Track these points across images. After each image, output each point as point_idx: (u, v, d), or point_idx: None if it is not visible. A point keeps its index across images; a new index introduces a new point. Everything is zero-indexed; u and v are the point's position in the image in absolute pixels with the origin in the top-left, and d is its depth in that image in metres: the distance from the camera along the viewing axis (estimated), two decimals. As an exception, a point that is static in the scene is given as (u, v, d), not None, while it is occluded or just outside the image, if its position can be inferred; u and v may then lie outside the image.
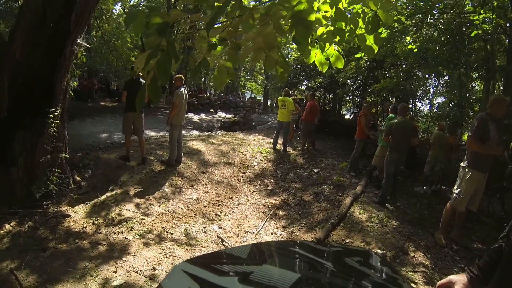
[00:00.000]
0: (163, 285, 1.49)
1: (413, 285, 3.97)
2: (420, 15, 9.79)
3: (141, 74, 7.10)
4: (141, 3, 26.29)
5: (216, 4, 1.57)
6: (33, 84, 5.32)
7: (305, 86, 21.49)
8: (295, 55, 18.63)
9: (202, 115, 21.72)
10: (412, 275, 4.16)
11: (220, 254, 2.27)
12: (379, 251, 4.63)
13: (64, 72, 5.63)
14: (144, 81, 6.12)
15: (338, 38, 2.01)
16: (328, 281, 1.64)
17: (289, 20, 1.72)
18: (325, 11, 1.86)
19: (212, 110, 25.13)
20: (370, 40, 2.12)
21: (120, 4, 18.09)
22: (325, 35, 2.01)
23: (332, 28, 1.97)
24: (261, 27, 1.72)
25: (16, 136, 5.07)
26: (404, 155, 6.80)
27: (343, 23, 1.95)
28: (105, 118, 15.84)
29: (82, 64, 15.90)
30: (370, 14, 1.95)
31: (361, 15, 1.99)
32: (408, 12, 9.43)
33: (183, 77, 7.66)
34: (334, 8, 1.82)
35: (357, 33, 2.12)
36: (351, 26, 2.00)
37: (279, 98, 11.12)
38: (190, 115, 20.85)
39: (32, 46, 5.18)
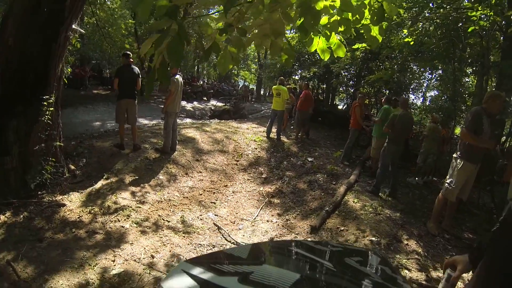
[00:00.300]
0: (164, 285, 1.50)
1: (406, 271, 4.07)
2: (417, 9, 9.81)
3: (132, 60, 7.10)
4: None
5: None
6: (26, 71, 5.15)
7: (299, 76, 21.44)
8: (292, 43, 18.58)
9: (195, 103, 21.65)
10: (406, 262, 4.27)
11: (220, 254, 2.29)
12: (373, 238, 4.72)
13: (58, 59, 5.52)
14: (135, 68, 6.08)
15: (343, 27, 2.02)
16: (328, 281, 1.66)
17: (296, 8, 1.73)
18: (333, 1, 1.87)
19: (205, 98, 25.08)
20: (374, 30, 2.14)
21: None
22: (331, 24, 2.02)
23: (339, 18, 1.99)
24: (269, 13, 1.73)
25: (10, 124, 4.94)
26: (402, 147, 6.88)
27: (349, 13, 1.96)
28: (97, 106, 15.69)
29: (75, 51, 15.72)
30: (375, 5, 1.97)
31: (367, 6, 2.00)
32: (407, 5, 9.44)
33: None
34: (341, -3, 1.83)
35: (362, 23, 2.13)
36: (357, 16, 2.01)
37: (273, 87, 11.12)
38: (183, 103, 20.74)
39: (26, 32, 5.02)
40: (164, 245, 4.30)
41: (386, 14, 2.04)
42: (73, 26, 5.78)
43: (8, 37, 4.99)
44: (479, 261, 1.31)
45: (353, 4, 1.91)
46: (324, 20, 2.04)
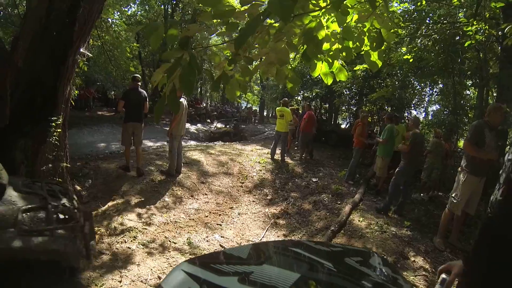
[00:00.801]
0: (163, 285, 1.49)
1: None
2: (414, 25, 9.98)
3: (140, 83, 7.18)
4: (138, 13, 26.49)
5: (231, 21, 1.65)
6: (35, 92, 5.22)
7: (301, 96, 21.58)
8: (293, 65, 18.82)
9: (199, 125, 21.76)
10: (413, 279, 4.25)
11: (220, 254, 2.29)
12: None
13: (66, 81, 5.64)
14: (143, 91, 6.17)
15: (344, 54, 2.10)
16: (328, 281, 1.66)
17: (298, 37, 1.81)
18: (334, 30, 1.95)
19: (208, 120, 25.19)
20: (374, 56, 2.22)
21: (117, 13, 18.15)
22: (333, 52, 2.10)
23: (340, 46, 2.07)
24: (275, 43, 1.81)
25: (18, 144, 4.98)
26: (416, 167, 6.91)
27: (350, 41, 2.05)
28: (102, 127, 15.82)
29: (80, 73, 15.94)
30: (374, 32, 2.05)
31: (366, 33, 2.08)
32: (405, 25, 9.60)
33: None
34: (342, 27, 1.91)
35: (362, 49, 2.22)
36: (357, 43, 2.10)
37: (277, 108, 11.20)
38: (187, 125, 20.84)
39: (35, 54, 5.13)
40: (170, 266, 4.28)
41: (384, 41, 2.13)
42: (81, 50, 5.94)
43: (18, 58, 5.09)
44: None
45: (353, 33, 1.99)
46: (326, 46, 2.12)
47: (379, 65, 2.28)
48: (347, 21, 1.90)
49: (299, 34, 1.82)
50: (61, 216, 2.29)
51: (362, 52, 2.34)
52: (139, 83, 7.26)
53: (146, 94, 7.34)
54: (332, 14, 1.85)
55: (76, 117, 16.29)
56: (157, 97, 24.20)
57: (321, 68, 2.32)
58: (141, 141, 7.28)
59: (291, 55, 2.48)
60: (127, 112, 6.96)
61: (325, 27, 1.90)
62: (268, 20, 1.78)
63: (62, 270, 2.28)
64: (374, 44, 2.01)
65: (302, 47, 1.88)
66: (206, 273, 1.54)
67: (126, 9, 23.58)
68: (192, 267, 1.58)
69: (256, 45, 1.81)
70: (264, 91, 28.31)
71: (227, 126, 18.48)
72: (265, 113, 42.13)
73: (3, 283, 1.98)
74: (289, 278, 1.50)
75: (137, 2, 25.43)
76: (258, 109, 42.17)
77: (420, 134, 6.62)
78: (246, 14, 1.59)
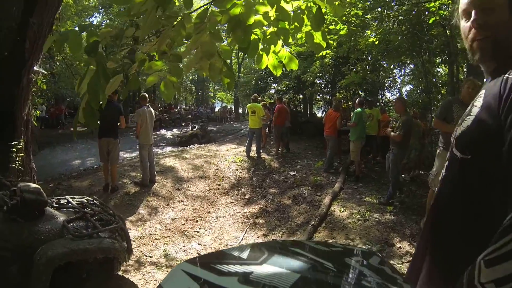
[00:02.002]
0: (163, 285, 1.49)
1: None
2: (379, 9, 9.95)
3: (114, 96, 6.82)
4: (104, 22, 25.89)
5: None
6: None
7: (274, 90, 21.52)
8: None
9: (175, 130, 21.52)
10: (401, 266, 4.11)
11: (220, 254, 2.31)
12: (364, 247, 4.59)
13: (23, 102, 5.41)
14: (118, 104, 5.92)
15: (282, 38, 1.92)
16: (328, 281, 1.62)
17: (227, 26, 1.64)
18: (265, 12, 1.77)
19: (183, 124, 25.01)
20: (317, 36, 2.04)
21: (76, 27, 17.75)
22: (269, 36, 1.92)
23: (275, 29, 1.89)
24: (197, 35, 1.62)
25: None
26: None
27: (285, 22, 1.86)
28: (76, 144, 15.45)
29: (48, 91, 15.49)
30: (314, 9, 1.87)
31: (305, 12, 1.91)
32: (367, 6, 9.56)
33: (146, 96, 7.46)
34: (274, 7, 1.73)
35: (302, 30, 2.05)
36: (296, 24, 1.92)
37: (248, 105, 11.06)
38: (163, 131, 20.59)
39: (-13, 78, 4.95)
40: (147, 282, 4.09)
41: (332, 16, 1.97)
42: (35, 68, 5.66)
43: (-29, 82, 4.86)
44: None
45: (288, 13, 1.81)
46: (258, 31, 1.93)
47: (324, 47, 2.11)
48: (280, 1, 1.72)
49: (222, 22, 1.64)
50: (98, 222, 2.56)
51: (301, 35, 2.19)
52: (116, 96, 6.69)
53: (121, 108, 6.98)
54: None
55: (48, 136, 15.94)
56: (131, 107, 23.92)
57: (268, 59, 2.14)
58: (117, 158, 6.94)
59: (228, 48, 2.32)
60: (101, 127, 6.47)
61: (255, 11, 1.72)
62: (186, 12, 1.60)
63: (112, 267, 2.59)
64: (315, 22, 1.83)
65: (229, 36, 1.69)
66: (206, 273, 1.53)
67: (89, 20, 23.10)
68: (192, 267, 1.57)
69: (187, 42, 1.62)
70: (237, 89, 28.28)
71: (195, 128, 18.04)
72: (240, 111, 41.97)
73: (66, 282, 2.25)
74: (289, 278, 1.46)
75: (101, 12, 24.94)
76: (233, 107, 42.06)
77: (411, 118, 6.50)
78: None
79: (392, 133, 6.26)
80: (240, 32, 1.58)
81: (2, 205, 2.14)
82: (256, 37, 1.95)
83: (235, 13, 1.57)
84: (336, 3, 1.95)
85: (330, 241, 4.94)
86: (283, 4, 1.75)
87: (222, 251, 2.22)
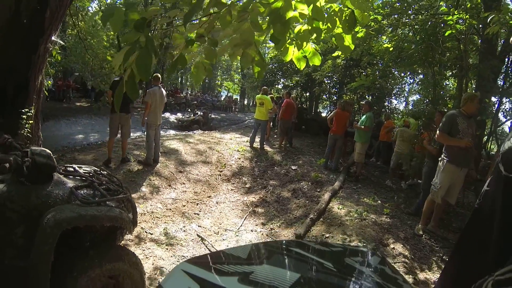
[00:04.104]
0: (163, 285, 1.51)
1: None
2: (396, 15, 9.98)
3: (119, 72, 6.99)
4: (118, 0, 25.87)
5: (193, 1, 1.57)
6: (6, 83, 5.08)
7: (282, 85, 21.54)
8: (272, 54, 18.73)
9: (179, 114, 21.57)
10: (393, 265, 4.26)
11: (220, 254, 2.29)
12: (359, 243, 4.72)
13: (38, 71, 5.45)
14: None
15: (315, 35, 2.03)
16: (328, 281, 1.65)
17: (267, 18, 1.74)
18: (302, 9, 1.87)
19: (189, 109, 25.06)
20: (347, 39, 2.15)
21: (96, 1, 17.76)
22: (302, 33, 2.03)
23: (310, 27, 1.99)
24: (239, 23, 1.72)
25: None
26: None
27: (320, 22, 1.97)
28: (80, 119, 15.55)
29: (57, 63, 15.51)
30: (347, 13, 1.98)
31: (338, 14, 2.01)
32: (385, 12, 9.59)
33: (159, 76, 7.56)
34: (311, 6, 1.83)
35: (334, 32, 2.15)
36: (329, 25, 2.02)
37: (257, 96, 11.14)
38: (167, 114, 20.65)
39: (5, 43, 4.96)
40: (146, 257, 4.20)
41: (358, 22, 2.07)
42: (53, 38, 5.73)
43: (-13, 48, 4.93)
44: None
45: (323, 13, 1.91)
46: (296, 29, 2.04)
47: (351, 49, 2.22)
48: (317, 1, 1.82)
49: (265, 14, 1.74)
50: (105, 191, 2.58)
51: (334, 39, 2.28)
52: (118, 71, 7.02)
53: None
54: (300, -7, 1.77)
55: (54, 109, 15.96)
56: (141, 88, 23.94)
57: (293, 52, 2.25)
58: (129, 132, 7.22)
59: (261, 38, 2.42)
60: (113, 103, 6.71)
61: (294, 7, 1.82)
62: (231, 0, 1.70)
63: (115, 237, 2.69)
64: (347, 25, 1.94)
65: (269, 28, 1.80)
66: (206, 273, 1.55)
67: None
68: (192, 267, 1.58)
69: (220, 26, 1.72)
70: (244, 80, 28.19)
71: (197, 115, 18.17)
72: (245, 102, 41.99)
73: (69, 248, 2.24)
74: (289, 278, 1.51)
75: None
76: (238, 98, 42.08)
77: None
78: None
79: (428, 146, 6.39)
80: (279, 25, 1.68)
81: (15, 167, 2.14)
82: (287, 30, 2.06)
83: (276, 6, 1.67)
84: (368, 13, 2.05)
85: (327, 235, 5.07)
86: (318, 4, 1.85)
87: (222, 251, 2.19)
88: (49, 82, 7.94)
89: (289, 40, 2.17)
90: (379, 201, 6.72)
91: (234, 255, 1.89)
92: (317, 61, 2.35)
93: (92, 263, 2.19)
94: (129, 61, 1.52)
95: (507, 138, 1.13)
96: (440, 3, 9.38)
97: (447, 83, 15.08)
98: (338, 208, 6.04)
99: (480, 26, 8.13)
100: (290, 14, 1.74)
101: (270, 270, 1.64)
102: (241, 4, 1.73)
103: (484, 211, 1.19)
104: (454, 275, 1.24)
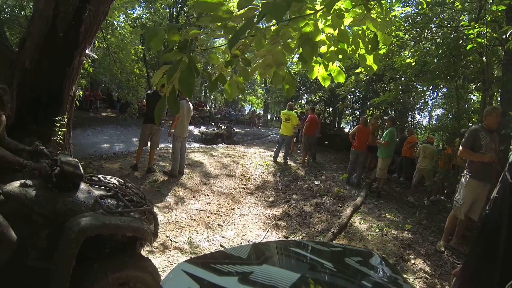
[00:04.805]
0: (163, 285, 1.51)
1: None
2: (417, 29, 9.99)
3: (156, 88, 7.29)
4: (143, 15, 26.72)
5: (229, 24, 1.71)
6: (41, 92, 5.40)
7: (305, 100, 21.58)
8: (296, 69, 18.85)
9: (203, 128, 21.86)
10: (413, 281, 4.26)
11: (220, 254, 2.32)
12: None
13: (72, 82, 5.76)
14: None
15: (340, 56, 2.15)
16: (328, 281, 1.67)
17: (295, 40, 1.88)
18: (329, 33, 2.00)
19: (213, 123, 25.33)
20: (369, 59, 2.27)
21: (123, 16, 18.40)
22: (329, 54, 2.15)
23: (335, 48, 2.12)
24: (272, 45, 1.87)
25: (22, 142, 5.05)
26: None
27: (345, 44, 2.09)
28: (106, 128, 15.96)
29: (86, 75, 16.04)
30: (370, 35, 2.10)
31: (361, 36, 2.13)
32: (406, 28, 9.62)
33: None
34: (337, 30, 1.96)
35: (358, 52, 2.26)
36: (353, 46, 2.14)
37: (282, 112, 11.25)
38: (191, 127, 20.98)
39: (41, 54, 5.28)
40: (171, 264, 4.34)
41: (380, 44, 2.18)
42: (87, 51, 6.05)
43: (25, 59, 5.25)
44: None
45: (348, 36, 2.04)
46: (322, 49, 2.17)
47: (375, 69, 2.33)
48: (342, 25, 1.95)
49: (295, 37, 1.88)
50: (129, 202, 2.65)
51: (357, 57, 2.39)
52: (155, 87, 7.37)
53: None
54: (328, 18, 1.90)
55: (81, 118, 16.42)
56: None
57: (318, 71, 2.37)
58: (158, 143, 7.50)
59: (289, 58, 2.55)
60: (146, 114, 7.30)
61: (321, 30, 1.95)
62: (266, 25, 1.84)
63: (135, 247, 2.69)
64: (370, 47, 2.06)
65: (298, 49, 1.93)
66: (206, 273, 1.55)
67: (132, 12, 23.80)
68: (192, 267, 1.59)
69: (254, 48, 1.86)
70: (268, 95, 28.31)
71: (221, 128, 18.29)
72: (269, 117, 42.08)
73: (90, 254, 2.30)
74: (289, 278, 1.51)
75: (143, 5, 25.69)
76: (262, 113, 42.23)
77: None
78: (243, 18, 1.64)
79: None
80: (308, 48, 1.82)
81: (44, 174, 2.28)
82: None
83: (306, 31, 1.81)
84: (387, 32, 2.16)
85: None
86: (343, 27, 1.98)
87: (222, 251, 2.21)
88: (81, 92, 8.27)
89: (315, 58, 2.30)
90: (401, 217, 6.68)
91: (234, 255, 1.90)
92: (341, 79, 2.46)
93: (110, 269, 2.27)
94: (172, 79, 1.67)
95: None
96: (461, 17, 9.36)
97: (471, 96, 14.84)
98: (360, 223, 6.05)
99: (504, 37, 8.07)
100: (318, 37, 1.87)
101: (270, 270, 1.65)
102: (274, 28, 1.87)
103: (493, 217, 1.25)
104: (468, 279, 1.29)
